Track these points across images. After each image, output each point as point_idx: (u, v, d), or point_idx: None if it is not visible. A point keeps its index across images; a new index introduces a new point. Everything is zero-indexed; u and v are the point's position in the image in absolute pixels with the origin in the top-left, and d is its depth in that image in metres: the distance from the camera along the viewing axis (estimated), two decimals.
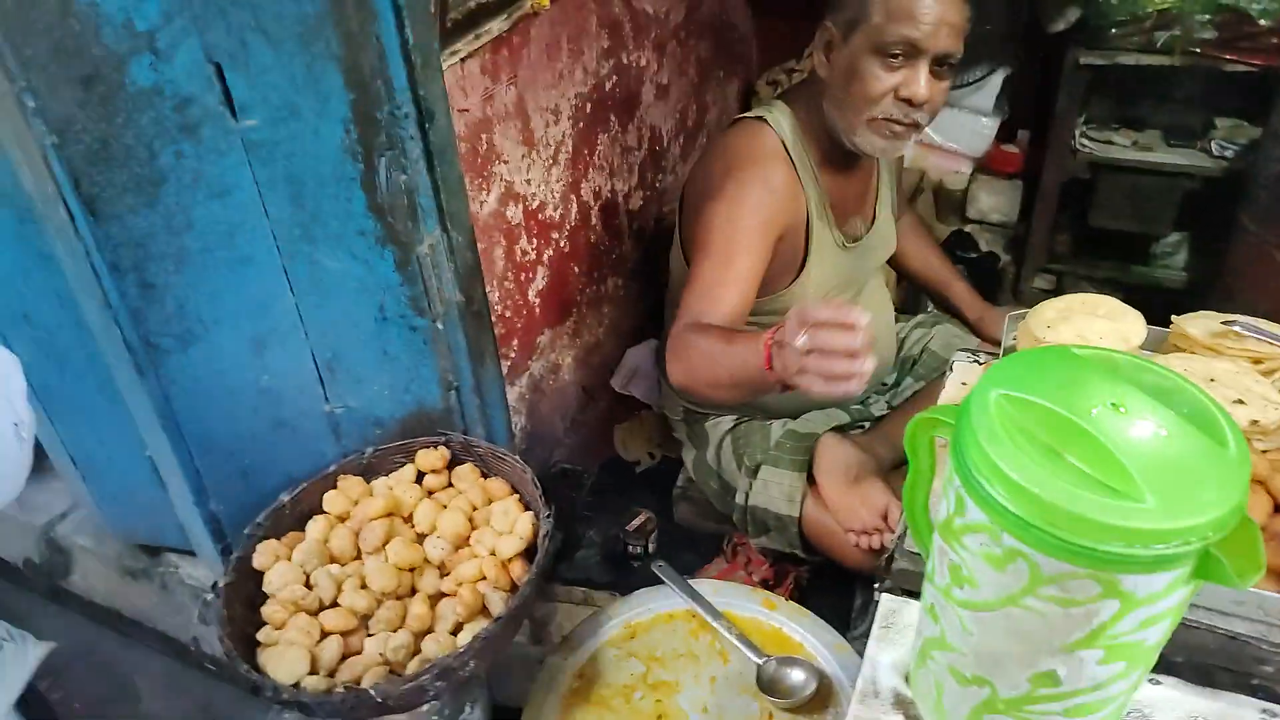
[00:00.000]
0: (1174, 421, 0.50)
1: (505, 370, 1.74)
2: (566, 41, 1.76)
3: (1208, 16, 1.92)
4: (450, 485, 1.48)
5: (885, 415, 1.66)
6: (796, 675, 1.31)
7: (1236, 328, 0.87)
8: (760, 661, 1.33)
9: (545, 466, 1.97)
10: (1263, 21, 1.88)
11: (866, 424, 1.65)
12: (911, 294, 2.19)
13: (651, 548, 1.71)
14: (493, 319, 1.64)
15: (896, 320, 1.77)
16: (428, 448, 1.48)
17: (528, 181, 1.71)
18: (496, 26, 1.52)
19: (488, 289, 1.65)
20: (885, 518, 1.39)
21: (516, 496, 1.42)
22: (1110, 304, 0.95)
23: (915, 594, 0.78)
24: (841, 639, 1.38)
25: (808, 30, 2.78)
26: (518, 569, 1.33)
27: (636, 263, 2.25)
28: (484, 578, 1.33)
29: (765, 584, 1.63)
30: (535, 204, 1.75)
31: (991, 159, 2.47)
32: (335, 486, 1.44)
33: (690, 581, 1.47)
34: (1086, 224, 2.28)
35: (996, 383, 0.53)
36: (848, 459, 1.47)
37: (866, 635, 1.64)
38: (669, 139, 2.35)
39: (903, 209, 1.78)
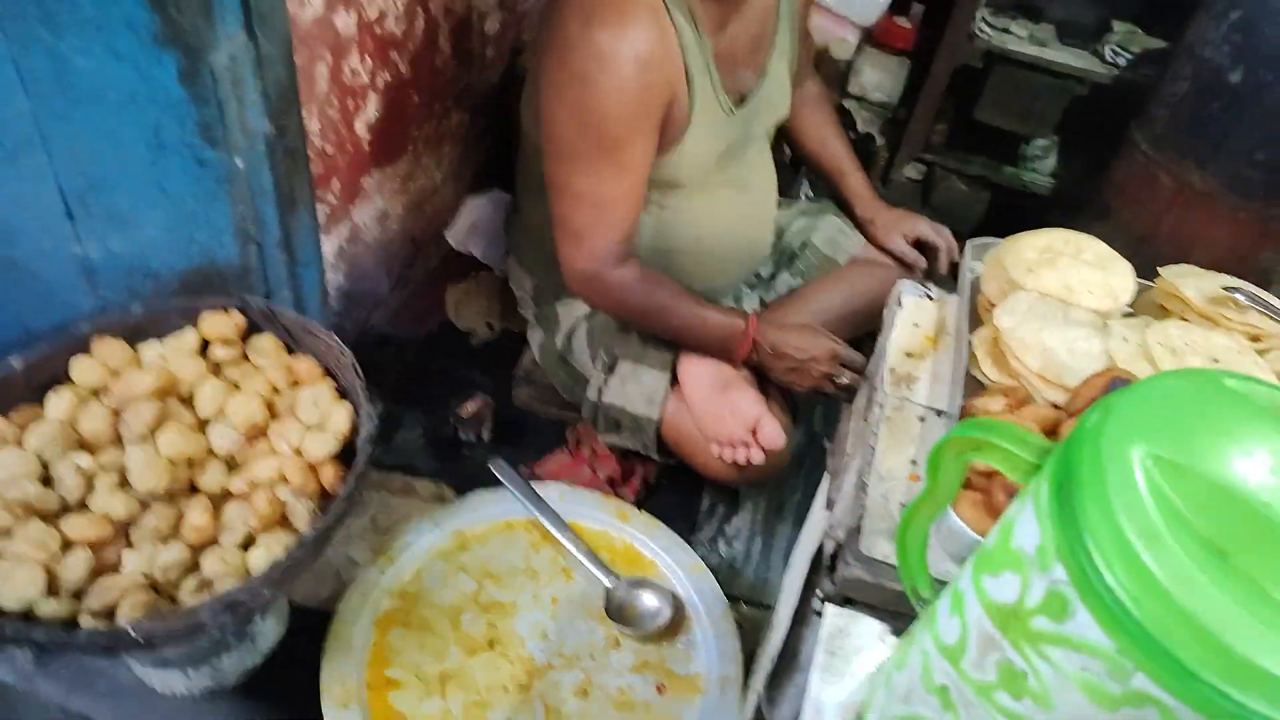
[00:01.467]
0: None
1: (323, 219, 1.44)
2: None
3: None
4: (245, 360, 1.20)
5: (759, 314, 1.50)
6: (649, 601, 1.18)
7: (1239, 296, 0.74)
8: (610, 585, 1.19)
9: (363, 329, 1.70)
10: None
11: None
12: (788, 172, 2.01)
13: (486, 436, 1.51)
14: (310, 155, 1.33)
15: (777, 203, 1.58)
16: (217, 310, 1.19)
17: None
18: None
19: (305, 116, 1.32)
20: (755, 432, 1.26)
21: (331, 382, 1.17)
22: (1096, 247, 0.81)
23: (868, 607, 0.64)
24: (697, 559, 1.26)
25: None
26: (330, 474, 1.09)
27: (485, 97, 1.93)
28: (285, 480, 1.09)
29: (611, 481, 1.49)
30: (374, 14, 1.40)
31: (881, 31, 2.28)
32: (88, 350, 1.13)
33: (534, 485, 1.29)
34: (966, 115, 2.17)
35: (1136, 431, 0.36)
36: (717, 362, 1.31)
37: (714, 540, 1.57)
38: None
39: (806, 73, 1.56)
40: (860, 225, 1.57)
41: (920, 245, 1.56)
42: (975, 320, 0.81)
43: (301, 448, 1.11)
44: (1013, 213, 2.25)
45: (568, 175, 1.18)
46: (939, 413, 0.73)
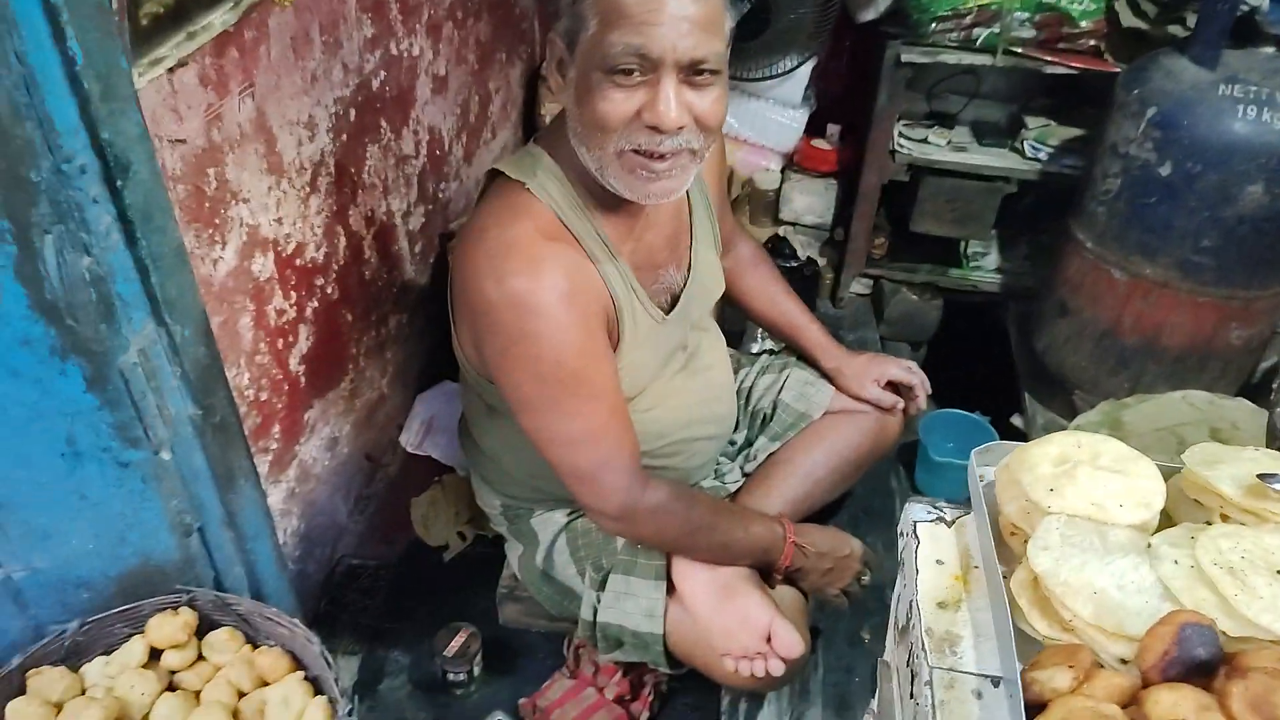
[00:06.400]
0: None
1: (265, 470, 1.34)
2: (319, 33, 1.35)
3: (1027, 15, 1.82)
4: (201, 659, 1.08)
5: (742, 487, 1.42)
6: None
7: (1277, 485, 0.68)
8: None
9: (329, 566, 1.59)
10: (1083, 23, 1.80)
11: None
12: (733, 318, 1.94)
13: (476, 670, 1.39)
14: (243, 411, 1.24)
15: (734, 362, 1.51)
16: (164, 610, 1.07)
17: (278, 221, 1.30)
18: (219, 19, 1.09)
19: (235, 371, 1.24)
20: (769, 638, 1.16)
21: (300, 675, 1.05)
22: (1112, 449, 0.74)
23: None
24: None
25: None
26: None
27: (422, 291, 1.88)
28: None
29: (620, 700, 1.37)
30: (291, 247, 1.35)
31: (803, 156, 2.30)
32: (24, 690, 1.00)
33: None
34: (903, 225, 2.17)
35: None
36: (713, 566, 1.21)
37: None
38: (450, 140, 1.98)
39: (736, 238, 1.50)
40: (828, 376, 1.51)
41: (892, 387, 1.51)
42: (1000, 544, 0.73)
43: None
44: (969, 313, 2.23)
45: (549, 425, 1.10)
46: (995, 682, 0.65)
